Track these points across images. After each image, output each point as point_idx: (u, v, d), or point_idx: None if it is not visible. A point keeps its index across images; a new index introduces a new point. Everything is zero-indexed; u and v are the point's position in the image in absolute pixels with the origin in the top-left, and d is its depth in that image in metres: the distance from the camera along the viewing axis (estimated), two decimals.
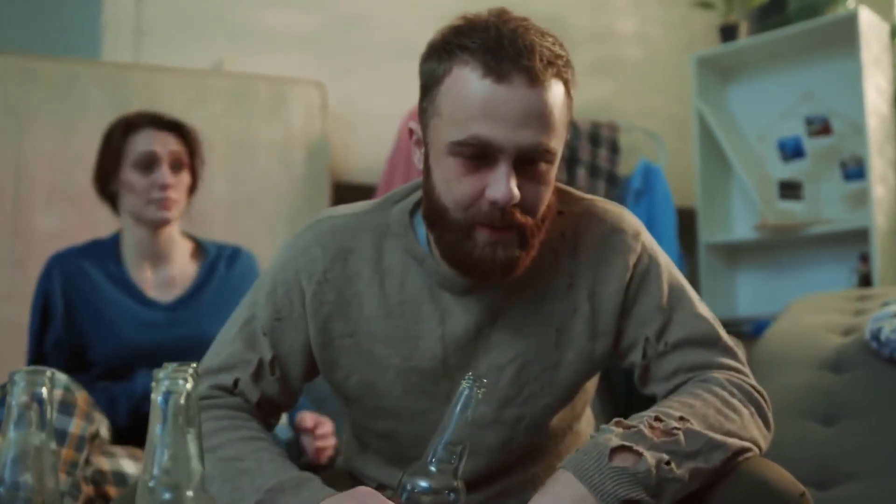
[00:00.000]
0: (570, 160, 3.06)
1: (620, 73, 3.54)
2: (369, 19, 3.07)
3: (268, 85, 2.72)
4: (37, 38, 2.77)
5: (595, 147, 3.13)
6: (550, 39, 0.94)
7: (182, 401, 0.56)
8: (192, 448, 0.56)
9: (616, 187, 3.15)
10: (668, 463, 0.87)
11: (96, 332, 1.60)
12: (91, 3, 2.73)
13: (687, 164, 3.31)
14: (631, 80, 3.55)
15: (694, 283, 3.22)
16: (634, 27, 3.60)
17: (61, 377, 1.36)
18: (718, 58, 3.25)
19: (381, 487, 1.12)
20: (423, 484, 0.84)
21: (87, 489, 1.31)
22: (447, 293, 1.03)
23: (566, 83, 0.95)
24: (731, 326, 3.06)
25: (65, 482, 1.25)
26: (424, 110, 0.97)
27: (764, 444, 0.99)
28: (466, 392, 0.85)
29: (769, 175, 3.16)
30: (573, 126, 3.08)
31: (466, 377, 0.86)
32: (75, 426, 1.32)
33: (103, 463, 1.40)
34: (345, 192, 2.86)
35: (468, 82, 0.91)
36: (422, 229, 1.05)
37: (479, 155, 0.91)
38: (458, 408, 0.85)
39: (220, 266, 1.72)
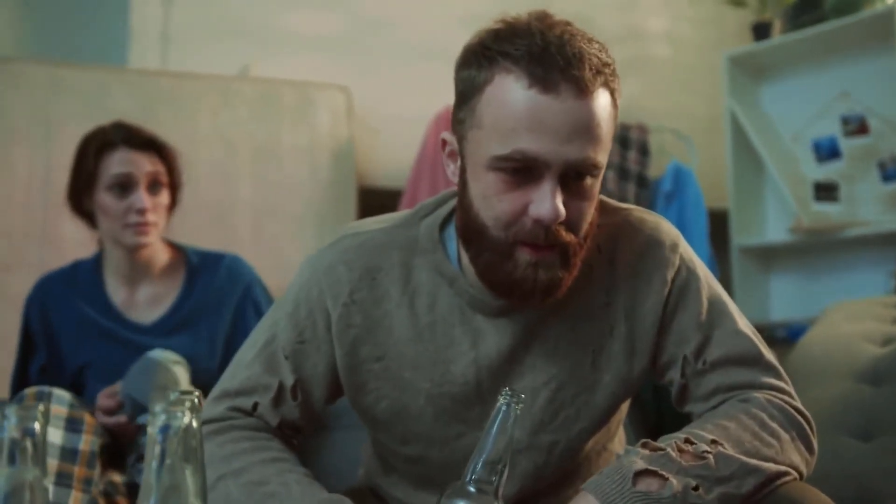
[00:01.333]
0: None
1: (650, 72, 3.48)
2: (394, 22, 3.05)
3: (293, 90, 2.71)
4: (65, 47, 2.79)
5: (624, 149, 3.08)
6: (597, 46, 0.89)
7: (180, 435, 0.54)
8: (191, 484, 0.54)
9: (646, 190, 3.10)
10: (695, 488, 0.83)
11: (78, 358, 1.57)
12: (118, 10, 2.75)
13: (719, 165, 3.24)
14: (661, 79, 3.49)
15: (726, 286, 3.15)
16: (664, 26, 3.54)
17: (64, 394, 1.34)
18: (751, 56, 3.18)
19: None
20: None
21: (102, 503, 1.30)
22: (479, 314, 0.98)
23: (613, 92, 0.90)
24: (765, 331, 3.01)
25: (81, 500, 1.24)
26: (462, 121, 0.91)
27: (806, 469, 0.95)
28: (504, 408, 0.81)
29: (804, 176, 3.09)
30: None
31: (504, 392, 0.81)
32: (85, 442, 1.30)
33: (114, 475, 1.39)
34: (371, 196, 2.84)
35: (512, 92, 0.85)
36: (452, 246, 1.00)
37: (522, 170, 0.86)
38: (497, 424, 0.81)
39: (202, 276, 1.65)
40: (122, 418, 1.43)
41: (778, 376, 1.01)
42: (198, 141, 2.57)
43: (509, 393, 0.81)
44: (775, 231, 3.20)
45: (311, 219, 2.70)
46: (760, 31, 3.19)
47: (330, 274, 1.01)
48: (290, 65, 2.84)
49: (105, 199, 1.57)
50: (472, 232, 0.92)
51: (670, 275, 1.00)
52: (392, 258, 1.01)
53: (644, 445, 0.87)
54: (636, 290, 1.00)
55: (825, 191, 3.01)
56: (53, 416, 1.29)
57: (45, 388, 1.33)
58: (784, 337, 2.96)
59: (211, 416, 1.01)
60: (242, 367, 1.02)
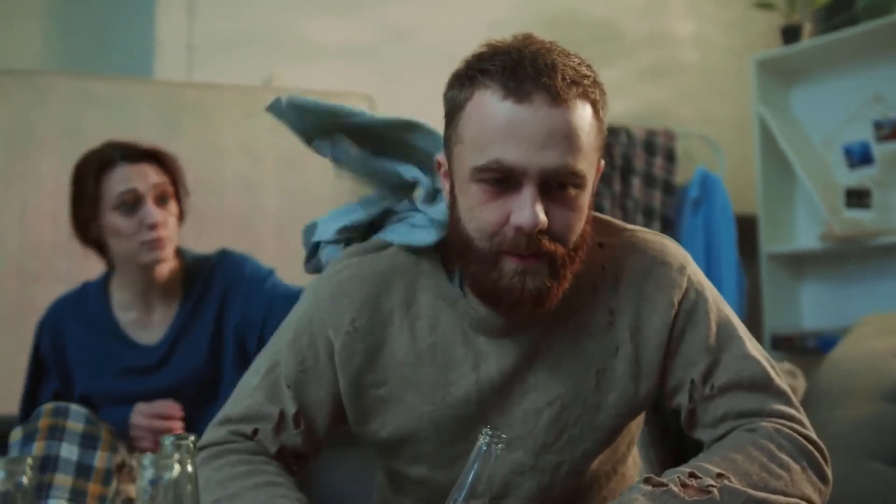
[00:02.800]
0: (625, 169, 2.98)
1: (677, 77, 3.43)
2: (417, 30, 3.04)
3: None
4: (92, 59, 2.82)
5: (650, 155, 3.05)
6: (576, 60, 0.90)
7: (170, 487, 0.54)
8: None
9: (672, 197, 3.06)
10: None
11: (89, 383, 1.55)
12: (144, 22, 2.78)
13: (748, 171, 3.20)
14: (688, 84, 3.44)
15: (756, 294, 3.15)
16: (691, 30, 3.49)
17: (81, 411, 1.34)
18: (780, 60, 3.13)
19: None
20: None
21: None
22: (481, 335, 0.99)
23: (594, 104, 0.90)
24: (795, 341, 2.97)
25: None
26: (448, 138, 0.94)
27: (819, 500, 0.93)
28: (484, 448, 0.80)
29: (835, 182, 3.03)
30: (627, 134, 3.00)
31: (484, 431, 0.81)
32: (100, 459, 1.30)
33: (131, 490, 1.40)
34: None
35: (489, 106, 0.88)
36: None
37: (502, 180, 0.88)
38: (476, 464, 0.80)
39: (196, 282, 1.59)
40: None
41: (788, 403, 0.99)
42: (222, 152, 2.59)
43: (489, 431, 0.81)
44: (806, 238, 3.14)
45: None
46: (790, 34, 3.14)
47: (331, 302, 1.02)
48: (313, 74, 2.85)
49: (114, 220, 1.50)
50: (460, 246, 0.93)
51: (677, 297, 0.99)
52: (394, 283, 1.02)
53: (647, 481, 0.86)
54: (641, 312, 0.99)
55: (857, 197, 2.95)
56: (69, 432, 1.30)
57: (62, 405, 1.34)
58: (815, 346, 2.90)
59: (211, 441, 1.02)
60: (245, 394, 1.03)
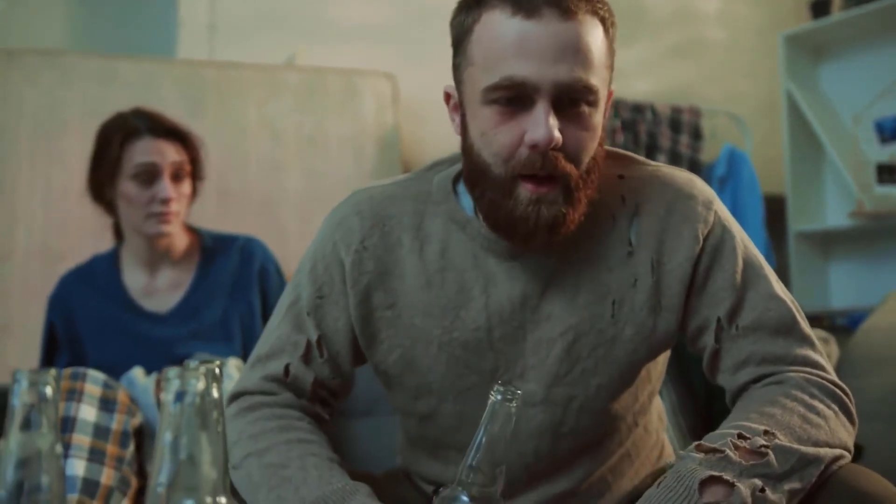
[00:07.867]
0: (650, 147, 2.95)
1: (704, 55, 3.39)
2: (440, 8, 3.02)
3: (339, 78, 2.71)
4: (115, 39, 2.84)
5: (676, 133, 3.01)
6: None
7: (195, 402, 0.53)
8: (207, 453, 0.52)
9: (698, 174, 3.02)
10: (762, 489, 0.79)
11: (100, 353, 1.56)
12: (167, 1, 2.79)
13: (775, 148, 3.15)
14: (715, 62, 3.40)
15: (784, 273, 3.10)
16: (718, 6, 3.44)
17: (98, 375, 1.35)
18: (809, 35, 3.08)
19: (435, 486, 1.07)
20: None
21: (136, 482, 1.31)
22: (492, 258, 0.97)
23: (604, 21, 0.90)
24: (825, 320, 2.93)
25: (113, 477, 1.25)
26: (458, 66, 0.94)
27: (851, 444, 0.91)
28: (497, 405, 0.76)
29: (865, 158, 2.97)
30: (652, 112, 2.97)
31: (496, 386, 0.77)
32: (117, 422, 1.31)
33: None
34: None
35: (498, 24, 0.88)
36: (465, 197, 1.00)
37: (514, 98, 0.87)
38: (487, 422, 0.76)
39: (216, 259, 1.64)
40: None
41: (812, 348, 0.96)
42: (245, 131, 2.59)
43: (502, 386, 0.77)
44: (835, 216, 3.09)
45: None
46: (819, 8, 3.09)
47: (342, 225, 1.02)
48: (336, 53, 2.84)
49: (128, 187, 1.55)
50: (475, 174, 0.93)
51: (703, 231, 0.96)
52: (404, 207, 1.01)
53: (698, 448, 0.83)
54: (664, 244, 0.97)
55: (888, 173, 2.90)
56: (87, 395, 1.31)
57: (80, 369, 1.35)
58: (844, 325, 2.86)
59: (245, 388, 1.01)
60: (272, 330, 1.04)
